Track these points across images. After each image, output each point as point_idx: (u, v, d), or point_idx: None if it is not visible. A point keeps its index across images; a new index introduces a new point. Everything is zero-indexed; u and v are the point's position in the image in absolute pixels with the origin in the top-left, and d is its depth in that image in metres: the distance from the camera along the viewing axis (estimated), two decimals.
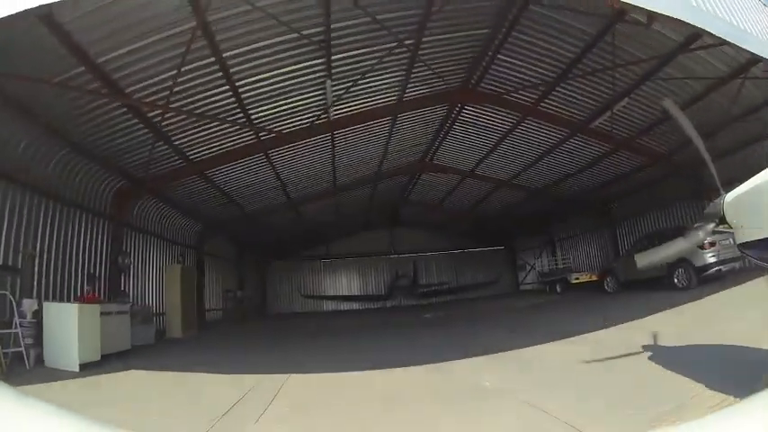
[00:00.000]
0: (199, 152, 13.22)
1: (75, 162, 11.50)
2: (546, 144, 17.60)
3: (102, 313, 9.70)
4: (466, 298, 30.46)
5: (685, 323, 8.34)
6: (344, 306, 31.51)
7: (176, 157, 13.02)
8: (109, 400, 6.03)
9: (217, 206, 17.94)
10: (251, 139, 13.44)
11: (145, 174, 12.44)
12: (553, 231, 29.08)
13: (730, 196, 3.73)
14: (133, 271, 14.41)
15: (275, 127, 12.79)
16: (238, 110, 11.68)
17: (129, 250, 14.21)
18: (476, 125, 17.24)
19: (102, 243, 12.74)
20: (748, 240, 3.46)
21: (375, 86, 13.20)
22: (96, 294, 10.53)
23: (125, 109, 10.43)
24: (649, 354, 5.84)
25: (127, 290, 13.68)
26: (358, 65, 11.65)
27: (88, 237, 12.22)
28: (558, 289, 23.18)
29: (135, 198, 13.99)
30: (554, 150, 17.92)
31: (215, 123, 11.86)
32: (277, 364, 8.31)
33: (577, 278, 21.80)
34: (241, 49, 9.88)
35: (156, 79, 9.77)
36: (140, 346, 11.53)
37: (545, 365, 6.42)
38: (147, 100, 10.12)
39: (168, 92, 9.71)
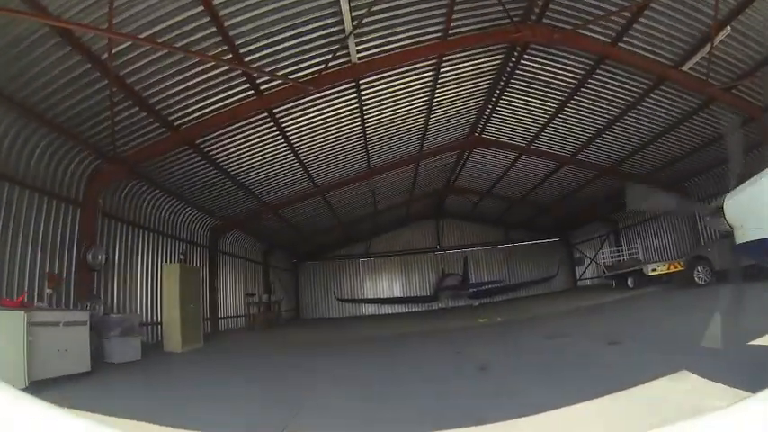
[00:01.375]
0: (183, 114, 10.25)
1: (28, 133, 8.87)
2: (622, 101, 13.82)
3: (38, 323, 7.02)
4: (520, 297, 27.36)
5: None
6: (385, 309, 28.30)
7: (153, 123, 10.13)
8: None
9: (227, 194, 15.12)
10: (248, 93, 10.35)
11: (113, 146, 9.62)
12: (617, 218, 25.24)
13: (730, 196, 3.73)
14: (118, 271, 11.72)
15: (277, 70, 9.69)
16: (224, 46, 8.64)
17: (112, 246, 11.58)
18: (537, 80, 13.66)
19: (70, 236, 10.08)
20: (748, 240, 3.46)
21: (409, 15, 9.89)
22: (21, 299, 7.70)
23: (69, 49, 7.62)
24: None
25: (105, 294, 10.98)
26: None
27: (50, 228, 9.57)
28: (631, 283, 19.60)
29: (115, 181, 11.30)
30: (631, 110, 14.15)
31: (194, 66, 8.89)
32: (266, 409, 5.22)
33: (655, 269, 17.89)
34: None
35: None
36: (116, 366, 9.00)
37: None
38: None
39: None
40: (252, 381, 7.39)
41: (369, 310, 28.46)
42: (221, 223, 16.67)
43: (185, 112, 10.15)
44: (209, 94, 9.82)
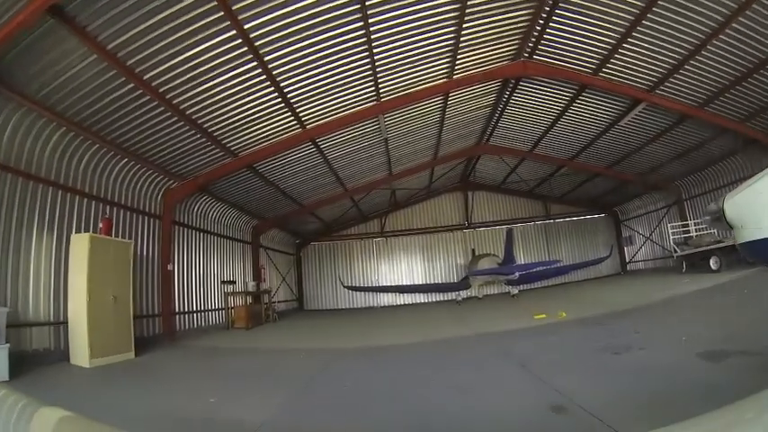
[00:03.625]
0: None
1: None
2: None
3: None
4: (558, 283, 23.24)
5: None
6: (404, 298, 23.85)
7: None
8: None
9: (170, 137, 10.64)
10: None
11: None
12: (681, 186, 20.27)
13: (731, 196, 3.73)
14: None
15: None
16: None
17: None
18: None
19: None
20: (748, 240, 3.49)
21: None
22: None
23: None
24: None
25: None
26: None
27: None
28: (715, 265, 15.13)
29: None
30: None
31: None
32: None
33: None
34: None
35: None
36: None
37: None
38: None
39: None
40: None
41: (385, 299, 23.99)
42: (178, 184, 12.31)
43: None
44: None
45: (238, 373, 7.40)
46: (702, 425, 1.16)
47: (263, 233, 18.87)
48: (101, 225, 9.37)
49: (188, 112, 9.97)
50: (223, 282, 15.09)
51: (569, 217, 25.90)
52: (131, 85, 8.45)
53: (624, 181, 20.78)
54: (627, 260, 25.55)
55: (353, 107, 11.90)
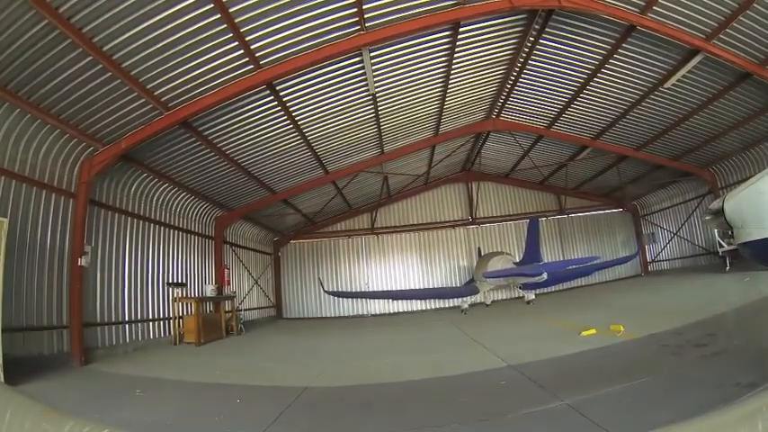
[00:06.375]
0: None
1: None
2: None
3: None
4: (577, 286, 20.50)
5: None
6: (399, 306, 20.71)
7: None
8: None
9: (88, 85, 7.66)
10: None
11: None
12: (718, 172, 17.45)
13: (731, 196, 3.71)
14: None
15: None
16: None
17: None
18: None
19: None
20: (748, 240, 3.45)
21: None
22: None
23: None
24: None
25: None
26: None
27: None
28: None
29: None
30: None
31: None
32: None
33: None
34: None
35: None
36: None
37: None
38: None
39: None
40: None
41: (376, 306, 20.77)
42: (100, 151, 9.15)
43: None
44: None
45: None
46: (702, 425, 1.13)
47: (229, 226, 15.72)
48: None
49: (95, 40, 6.93)
50: (169, 284, 11.87)
51: (585, 211, 23.07)
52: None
53: (652, 166, 18.03)
54: (649, 259, 22.69)
55: (327, 36, 8.67)
